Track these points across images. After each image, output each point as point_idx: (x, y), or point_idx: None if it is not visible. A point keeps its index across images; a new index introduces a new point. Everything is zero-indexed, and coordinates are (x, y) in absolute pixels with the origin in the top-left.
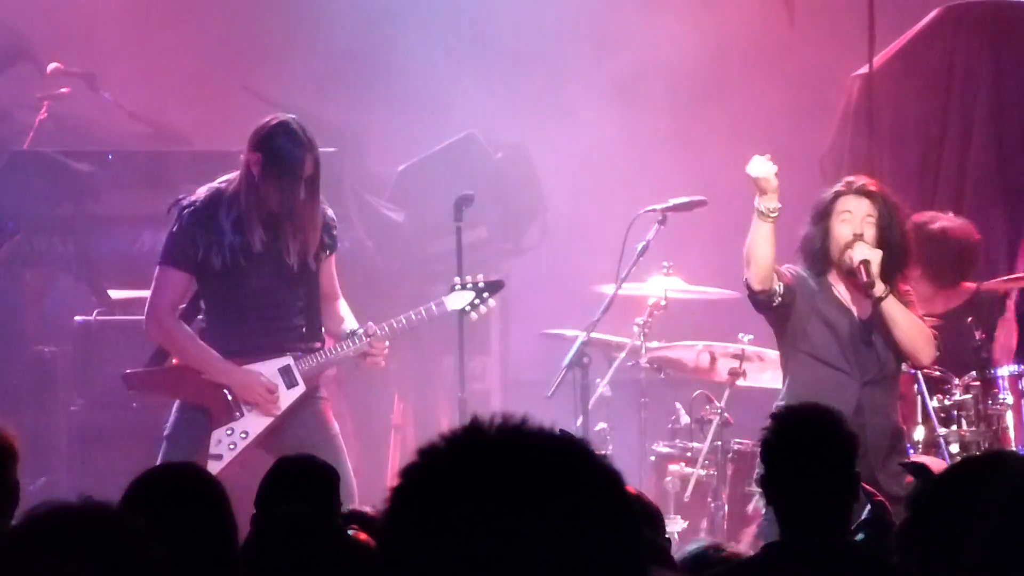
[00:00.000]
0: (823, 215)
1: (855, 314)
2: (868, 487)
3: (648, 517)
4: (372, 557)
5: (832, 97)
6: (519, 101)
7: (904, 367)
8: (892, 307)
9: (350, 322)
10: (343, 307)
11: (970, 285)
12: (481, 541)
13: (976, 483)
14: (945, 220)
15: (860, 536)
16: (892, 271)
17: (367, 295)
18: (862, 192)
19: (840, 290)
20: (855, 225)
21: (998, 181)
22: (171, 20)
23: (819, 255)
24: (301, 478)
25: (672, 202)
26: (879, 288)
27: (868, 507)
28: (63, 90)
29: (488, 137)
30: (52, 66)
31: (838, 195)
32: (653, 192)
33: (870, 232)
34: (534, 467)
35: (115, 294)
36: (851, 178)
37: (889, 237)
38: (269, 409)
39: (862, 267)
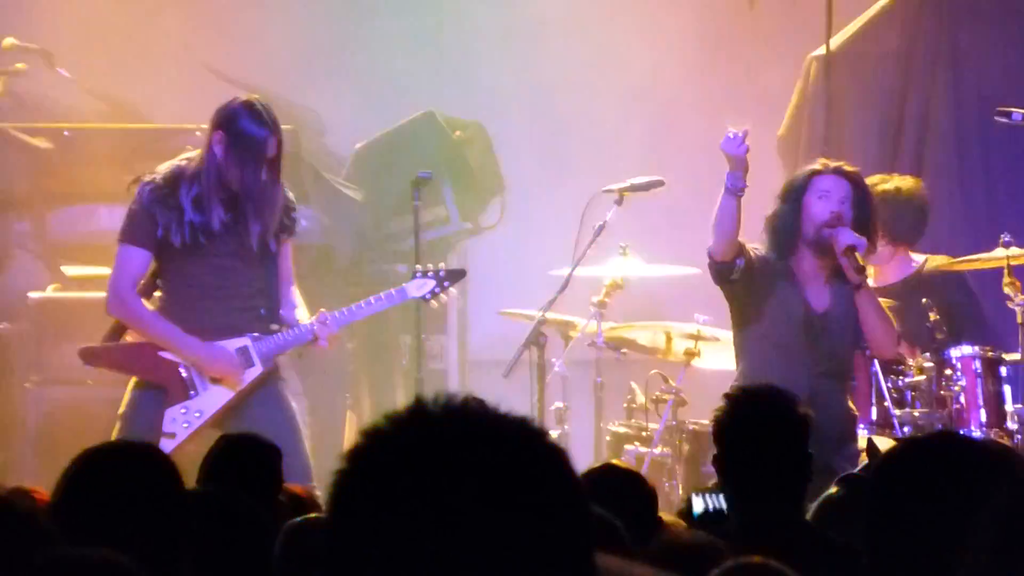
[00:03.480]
0: (796, 193)
1: (812, 304)
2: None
3: (643, 497)
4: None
5: (790, 78)
6: (479, 79)
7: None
8: (869, 297)
9: (301, 310)
10: (296, 294)
11: (918, 256)
12: (424, 521)
13: (920, 465)
14: (897, 179)
15: (838, 491)
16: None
17: (324, 273)
18: (841, 173)
19: (800, 277)
20: (833, 205)
21: (956, 163)
22: None
23: (789, 233)
24: (243, 457)
25: (630, 182)
26: (864, 275)
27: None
28: (19, 66)
29: (447, 115)
30: (8, 41)
31: (815, 173)
32: (612, 172)
33: (848, 213)
34: (478, 445)
35: (71, 271)
36: (825, 159)
37: (864, 220)
38: (235, 382)
39: (849, 253)
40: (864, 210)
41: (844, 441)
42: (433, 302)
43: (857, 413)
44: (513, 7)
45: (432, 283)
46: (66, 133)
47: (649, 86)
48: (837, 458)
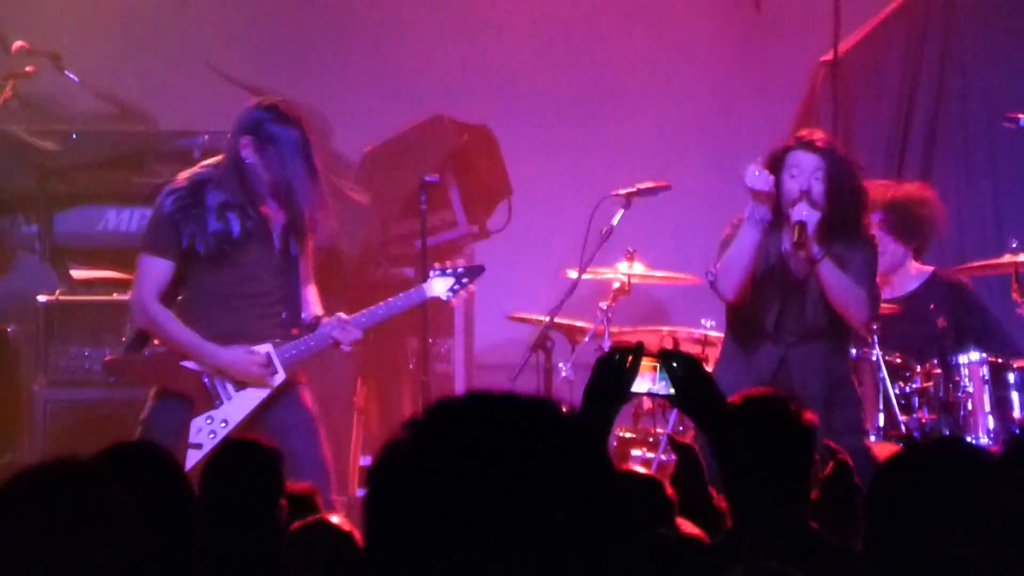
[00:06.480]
0: (774, 170)
1: (792, 271)
2: (832, 444)
3: (661, 503)
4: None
5: (798, 83)
6: (487, 82)
7: (858, 351)
8: (826, 270)
9: (317, 307)
10: (313, 293)
11: (926, 268)
12: (468, 497)
13: (921, 472)
14: (908, 186)
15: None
16: (840, 226)
17: (329, 277)
18: (810, 147)
19: (786, 246)
20: (802, 181)
21: (963, 168)
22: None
23: (773, 208)
24: (244, 460)
25: (637, 187)
26: (814, 251)
27: (830, 466)
28: (28, 69)
29: (454, 119)
30: (17, 44)
31: (787, 149)
32: (619, 176)
33: (818, 187)
34: (511, 424)
35: (78, 274)
36: (802, 132)
37: (838, 192)
38: (266, 381)
39: (796, 229)
40: (839, 182)
41: (829, 408)
42: (454, 300)
43: (852, 377)
44: (521, 9)
45: (451, 280)
46: (74, 136)
47: (658, 90)
48: (832, 419)
